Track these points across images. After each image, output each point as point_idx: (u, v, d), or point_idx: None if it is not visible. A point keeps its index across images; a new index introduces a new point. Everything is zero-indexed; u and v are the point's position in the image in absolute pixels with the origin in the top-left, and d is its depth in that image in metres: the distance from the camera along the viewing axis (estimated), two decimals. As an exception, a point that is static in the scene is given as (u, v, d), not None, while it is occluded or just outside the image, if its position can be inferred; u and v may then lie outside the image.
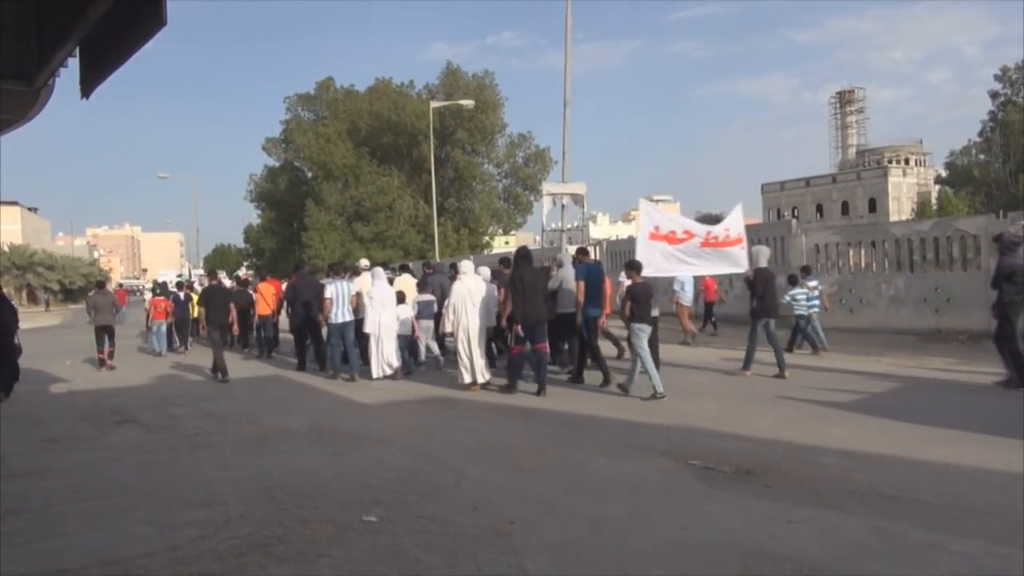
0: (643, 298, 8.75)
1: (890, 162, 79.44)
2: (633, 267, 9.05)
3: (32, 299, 53.34)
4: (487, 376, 9.63)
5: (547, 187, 18.53)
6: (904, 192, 74.46)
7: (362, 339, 10.95)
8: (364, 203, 44.09)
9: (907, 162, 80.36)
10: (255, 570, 3.83)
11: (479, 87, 43.61)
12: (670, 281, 14.05)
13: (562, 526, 4.35)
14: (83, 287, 53.15)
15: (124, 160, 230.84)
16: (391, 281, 11.84)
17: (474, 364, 9.51)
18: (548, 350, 9.30)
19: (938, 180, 62.31)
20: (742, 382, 9.56)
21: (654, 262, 9.68)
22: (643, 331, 8.63)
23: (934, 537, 4.01)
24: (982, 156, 52.06)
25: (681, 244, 9.83)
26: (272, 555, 4.01)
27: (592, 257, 10.41)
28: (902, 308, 13.93)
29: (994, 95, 52.43)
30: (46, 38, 5.95)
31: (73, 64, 5.90)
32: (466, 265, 10.21)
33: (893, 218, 60.20)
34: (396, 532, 4.30)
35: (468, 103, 35.30)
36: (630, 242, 29.46)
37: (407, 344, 11.32)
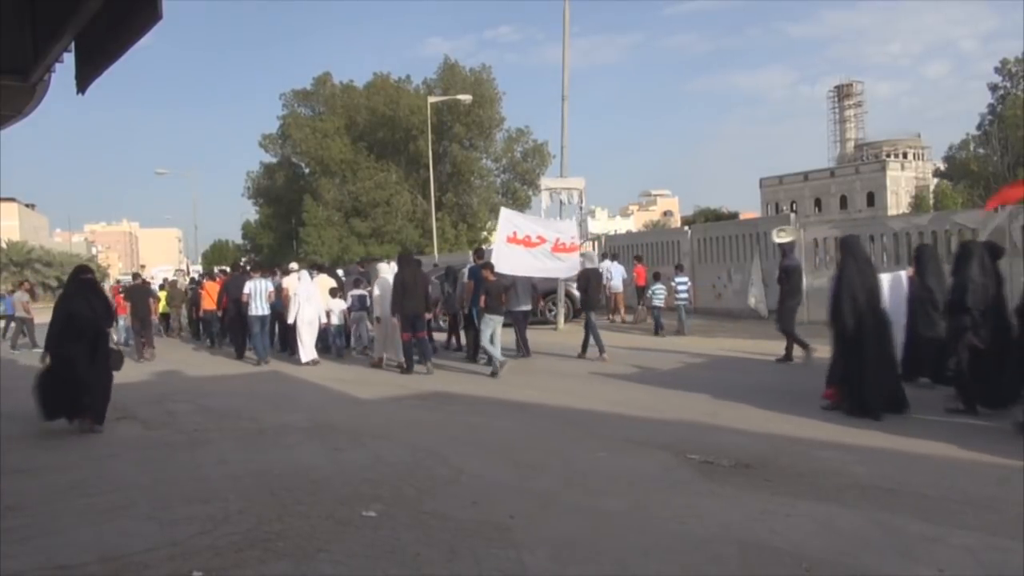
0: (495, 293, 10.32)
1: (888, 156, 79.34)
2: (487, 267, 10.61)
3: (30, 296, 53.18)
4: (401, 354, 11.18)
5: (545, 182, 18.54)
6: (902, 186, 74.38)
7: (291, 329, 12.57)
8: (361, 198, 44.02)
9: (905, 156, 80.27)
10: (254, 565, 3.83)
11: (477, 81, 43.52)
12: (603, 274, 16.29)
13: (561, 521, 4.36)
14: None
15: (122, 156, 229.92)
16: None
17: (387, 343, 11.37)
18: (427, 336, 11.00)
19: (937, 174, 62.25)
20: (572, 362, 11.29)
21: (511, 263, 11.09)
22: (493, 321, 10.24)
23: (933, 530, 4.02)
24: (980, 150, 51.99)
25: (535, 248, 11.34)
26: (271, 550, 4.01)
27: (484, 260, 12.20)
28: (901, 302, 13.90)
29: (994, 88, 52.30)
30: (41, 33, 5.93)
31: (69, 59, 5.87)
32: (383, 267, 12.19)
33: (891, 212, 60.16)
34: (395, 527, 4.29)
35: (466, 97, 35.23)
36: (628, 236, 29.55)
37: (341, 331, 13.15)
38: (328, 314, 12.79)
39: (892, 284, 8.23)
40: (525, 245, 11.23)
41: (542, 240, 11.32)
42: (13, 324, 18.03)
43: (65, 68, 6.09)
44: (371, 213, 44.12)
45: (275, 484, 5.26)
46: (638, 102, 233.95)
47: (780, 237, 13.34)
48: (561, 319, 16.64)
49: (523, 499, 4.76)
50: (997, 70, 51.70)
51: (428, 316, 11.06)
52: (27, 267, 54.34)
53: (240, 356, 13.55)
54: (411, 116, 42.30)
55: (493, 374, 10.08)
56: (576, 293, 17.01)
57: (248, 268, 16.88)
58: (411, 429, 7.11)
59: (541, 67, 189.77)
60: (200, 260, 65.91)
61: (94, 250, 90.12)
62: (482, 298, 10.40)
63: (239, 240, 63.73)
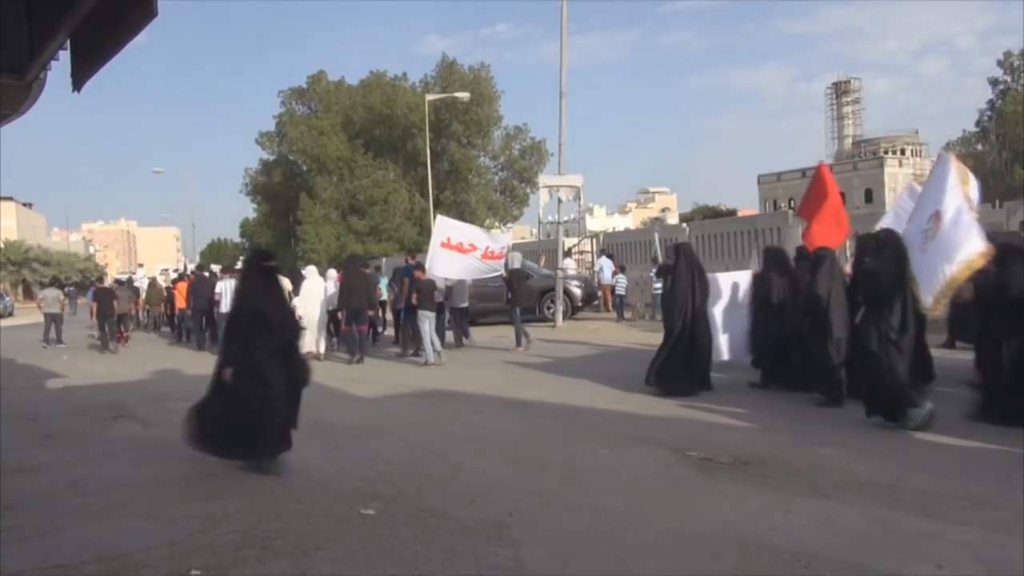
0: (427, 291, 11.39)
1: (886, 152, 79.33)
2: (420, 267, 12.01)
3: (28, 295, 53.14)
4: (323, 349, 12.71)
5: (544, 179, 18.61)
6: (900, 182, 74.27)
7: None
8: (359, 196, 43.95)
9: (903, 152, 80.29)
10: (253, 564, 3.82)
11: (475, 80, 43.43)
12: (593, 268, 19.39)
13: (560, 518, 4.35)
14: (79, 283, 52.92)
15: (119, 155, 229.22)
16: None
17: (315, 340, 12.51)
18: (367, 330, 12.52)
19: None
20: (495, 354, 12.33)
21: (444, 266, 12.28)
22: (426, 316, 11.26)
23: (932, 526, 4.02)
24: (979, 146, 51.84)
25: (468, 254, 12.48)
26: (270, 549, 4.00)
27: (416, 260, 13.59)
28: (899, 298, 13.92)
29: (994, 82, 51.86)
30: (36, 31, 5.90)
31: (64, 57, 5.85)
32: (309, 270, 13.67)
33: (890, 208, 60.08)
34: (394, 525, 4.29)
35: (464, 95, 35.14)
36: (626, 234, 29.51)
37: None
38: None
39: (739, 282, 9.25)
40: (458, 251, 12.42)
41: (473, 248, 12.52)
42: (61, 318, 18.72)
43: (61, 66, 6.07)
44: (369, 211, 44.02)
45: (273, 482, 5.24)
46: (636, 99, 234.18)
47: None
48: (560, 316, 16.64)
49: (522, 497, 4.75)
50: (999, 63, 51.18)
51: (371, 312, 12.68)
52: (25, 266, 54.30)
53: (200, 347, 14.96)
54: (409, 114, 42.21)
55: (426, 364, 11.26)
56: (575, 291, 17.50)
57: (217, 270, 18.61)
58: (410, 427, 7.10)
59: (538, 65, 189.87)
60: (199, 259, 65.79)
61: (92, 249, 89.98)
62: (414, 295, 11.53)
63: (237, 239, 63.61)
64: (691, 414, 7.12)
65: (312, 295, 12.70)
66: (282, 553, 3.94)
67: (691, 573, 3.60)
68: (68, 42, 5.63)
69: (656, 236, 16.83)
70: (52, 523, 4.62)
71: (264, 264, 5.87)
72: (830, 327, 7.09)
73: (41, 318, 18.24)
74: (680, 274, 8.33)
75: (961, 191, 6.52)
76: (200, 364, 12.95)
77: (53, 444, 6.96)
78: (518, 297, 13.10)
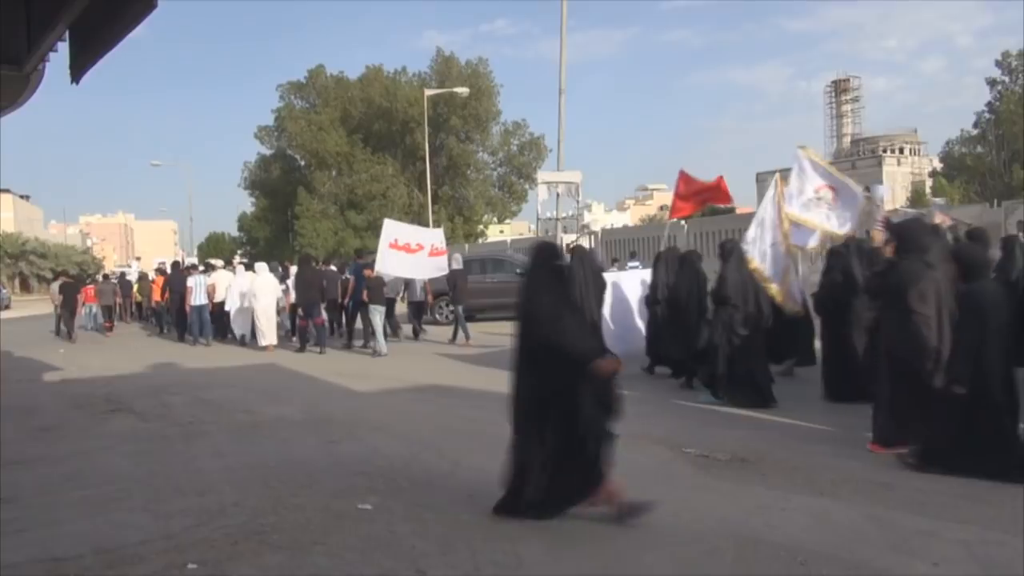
0: (377, 288, 12.33)
1: (885, 151, 79.29)
2: (369, 267, 12.97)
3: (25, 287, 53.02)
4: (275, 341, 13.63)
5: (542, 175, 18.59)
6: (899, 181, 74.38)
7: (226, 316, 14.88)
8: (357, 191, 43.92)
9: (902, 151, 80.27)
10: (249, 558, 3.82)
11: (473, 74, 43.39)
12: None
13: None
14: (76, 276, 52.76)
15: (117, 148, 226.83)
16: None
17: (267, 333, 13.56)
18: (323, 323, 13.47)
19: (933, 174, 62.09)
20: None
21: (393, 265, 12.99)
22: (377, 311, 12.14)
23: (928, 524, 4.03)
24: (977, 146, 51.80)
25: (414, 254, 13.24)
26: (266, 543, 4.00)
27: (363, 260, 14.63)
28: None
29: (992, 83, 51.81)
30: (35, 22, 5.89)
31: (63, 48, 5.83)
32: (260, 266, 14.77)
33: (888, 207, 60.06)
34: (391, 520, 4.29)
35: (463, 90, 35.09)
36: (625, 231, 29.52)
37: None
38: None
39: (646, 279, 9.90)
40: (405, 251, 13.11)
41: (420, 247, 13.26)
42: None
43: (59, 57, 6.06)
44: (367, 206, 44.01)
45: (270, 477, 5.25)
46: (635, 96, 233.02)
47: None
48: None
49: (519, 492, 4.74)
50: (997, 63, 51.03)
51: (324, 306, 13.73)
52: (22, 259, 54.10)
53: (180, 339, 15.80)
54: (407, 108, 42.17)
55: (375, 354, 12.16)
56: None
57: (190, 266, 19.75)
58: (407, 422, 7.10)
59: (538, 61, 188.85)
60: (196, 252, 65.67)
61: (89, 242, 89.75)
62: (366, 292, 12.33)
63: (235, 232, 63.51)
64: (688, 411, 7.13)
65: (265, 290, 13.72)
66: (279, 547, 3.94)
67: (688, 570, 3.61)
68: (67, 33, 5.62)
69: (589, 237, 18.63)
70: (49, 516, 4.61)
71: (555, 264, 4.50)
72: (687, 322, 8.26)
73: (44, 310, 18.88)
74: (574, 275, 8.87)
75: (781, 226, 8.13)
76: (194, 357, 12.96)
77: (50, 437, 6.96)
78: (458, 295, 13.88)
